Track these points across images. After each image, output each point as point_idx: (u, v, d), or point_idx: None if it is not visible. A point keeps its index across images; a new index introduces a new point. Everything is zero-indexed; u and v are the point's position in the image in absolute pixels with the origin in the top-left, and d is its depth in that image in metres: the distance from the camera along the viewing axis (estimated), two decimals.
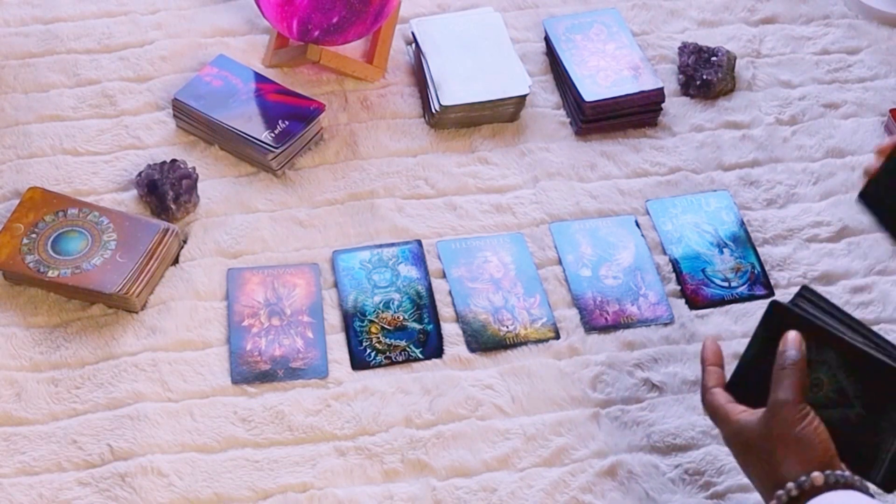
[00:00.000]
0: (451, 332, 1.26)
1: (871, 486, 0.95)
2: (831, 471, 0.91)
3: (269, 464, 1.15)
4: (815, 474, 0.91)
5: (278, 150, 1.38)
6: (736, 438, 0.99)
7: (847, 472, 0.92)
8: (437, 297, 1.29)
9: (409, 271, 1.32)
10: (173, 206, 1.34)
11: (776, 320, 1.01)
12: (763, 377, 0.98)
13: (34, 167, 1.40)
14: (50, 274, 1.25)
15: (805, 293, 1.03)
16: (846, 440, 0.95)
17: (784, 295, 1.31)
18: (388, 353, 1.24)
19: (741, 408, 0.99)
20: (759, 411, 0.97)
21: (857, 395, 0.97)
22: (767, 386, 0.97)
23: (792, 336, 0.98)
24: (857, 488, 0.91)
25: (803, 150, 1.47)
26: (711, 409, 1.02)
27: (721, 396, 1.01)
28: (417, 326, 1.27)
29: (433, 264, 1.33)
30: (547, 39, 1.57)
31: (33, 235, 1.29)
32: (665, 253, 1.35)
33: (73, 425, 1.17)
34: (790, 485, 0.91)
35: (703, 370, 1.04)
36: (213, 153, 1.43)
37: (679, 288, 1.32)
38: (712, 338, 1.09)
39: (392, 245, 1.34)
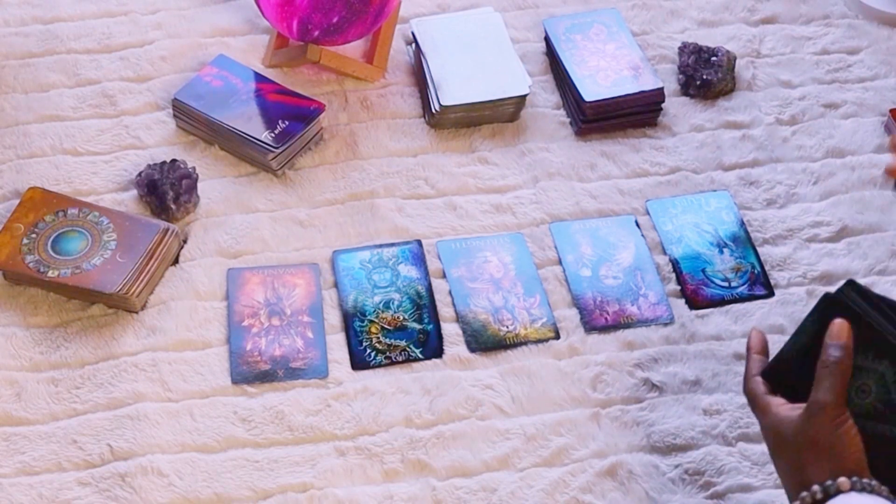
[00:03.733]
0: (451, 332, 1.26)
1: None
2: (858, 478, 0.90)
3: (269, 464, 1.15)
4: (842, 479, 0.90)
5: (278, 150, 1.38)
6: (772, 431, 0.97)
7: (875, 481, 0.90)
8: (437, 297, 1.29)
9: (409, 271, 1.31)
10: (173, 206, 1.34)
11: (829, 316, 0.95)
12: (808, 371, 0.95)
13: (34, 167, 1.40)
14: (50, 274, 1.25)
15: (853, 286, 0.95)
16: (882, 456, 0.92)
17: (784, 295, 1.31)
18: (388, 353, 1.24)
19: (781, 400, 0.98)
20: (799, 407, 0.95)
21: None
22: (810, 381, 0.94)
23: (838, 328, 0.94)
24: (884, 497, 0.90)
25: (803, 150, 1.47)
26: (751, 398, 1.00)
27: (762, 386, 1.00)
28: (417, 326, 1.27)
29: (433, 264, 1.33)
30: (547, 39, 1.57)
31: (33, 235, 1.29)
32: (665, 253, 1.35)
33: (73, 425, 1.17)
34: (815, 487, 0.91)
35: (748, 357, 1.03)
36: (213, 153, 1.43)
37: (679, 288, 1.32)
38: (758, 328, 1.07)
39: (392, 245, 1.34)
